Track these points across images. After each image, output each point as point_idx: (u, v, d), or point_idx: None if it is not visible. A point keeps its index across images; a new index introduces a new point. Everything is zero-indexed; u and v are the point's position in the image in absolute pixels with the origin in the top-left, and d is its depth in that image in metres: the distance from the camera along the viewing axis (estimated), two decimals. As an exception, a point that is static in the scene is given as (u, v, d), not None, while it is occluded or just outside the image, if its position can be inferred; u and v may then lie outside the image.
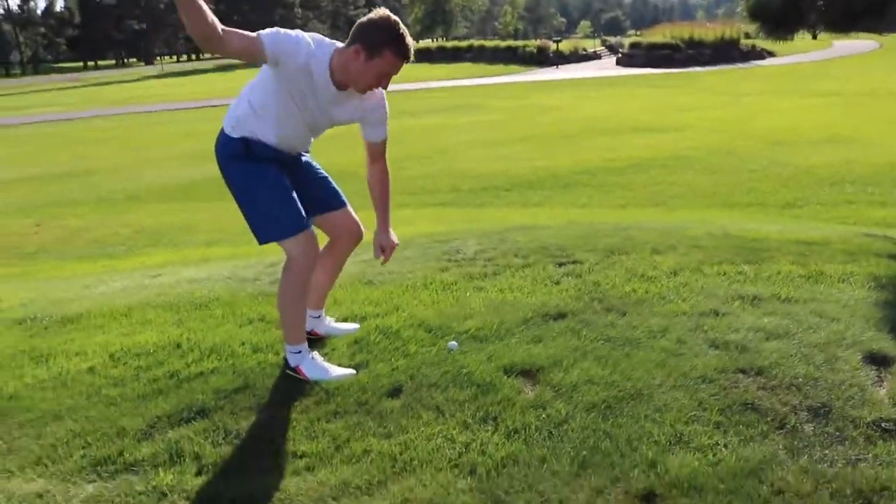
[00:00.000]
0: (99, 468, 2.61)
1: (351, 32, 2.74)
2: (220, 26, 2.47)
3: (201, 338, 3.56)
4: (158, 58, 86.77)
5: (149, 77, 55.42)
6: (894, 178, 9.58)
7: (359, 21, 2.74)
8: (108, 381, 3.23)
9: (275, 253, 5.79)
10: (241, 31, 2.59)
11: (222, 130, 2.96)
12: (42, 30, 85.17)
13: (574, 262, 4.25)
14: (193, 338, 3.57)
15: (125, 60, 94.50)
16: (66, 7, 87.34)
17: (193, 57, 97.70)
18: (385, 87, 2.86)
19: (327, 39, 2.81)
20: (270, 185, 2.90)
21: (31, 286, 5.64)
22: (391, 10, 2.81)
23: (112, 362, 3.43)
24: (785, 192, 9.17)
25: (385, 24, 2.69)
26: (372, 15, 2.74)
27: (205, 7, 2.39)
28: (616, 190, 9.86)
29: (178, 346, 3.50)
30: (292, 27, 2.92)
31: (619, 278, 3.89)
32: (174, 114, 25.57)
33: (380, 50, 2.68)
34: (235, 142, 2.89)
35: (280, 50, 2.64)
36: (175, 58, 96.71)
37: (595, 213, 8.03)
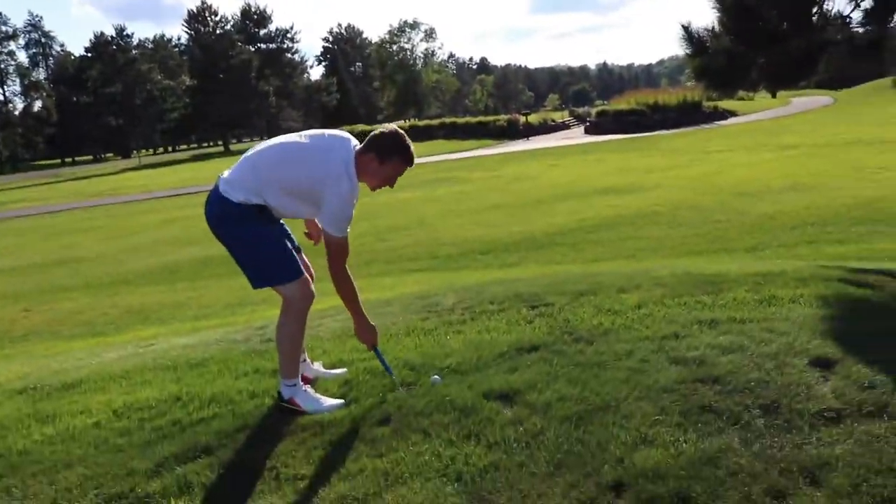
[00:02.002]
0: (113, 503, 2.81)
1: (366, 141, 3.33)
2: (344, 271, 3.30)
3: (199, 391, 3.77)
4: (135, 151, 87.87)
5: (126, 170, 56.06)
6: (852, 218, 10.06)
7: (373, 133, 3.34)
8: (113, 433, 3.43)
9: (263, 318, 6.06)
10: (341, 252, 3.27)
11: (225, 198, 3.26)
12: (20, 130, 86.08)
13: (546, 305, 4.54)
14: (192, 391, 3.78)
15: (102, 156, 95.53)
16: (43, 107, 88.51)
17: (170, 149, 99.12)
18: (392, 186, 3.44)
19: (349, 144, 3.33)
20: (276, 240, 3.34)
21: (27, 362, 5.82)
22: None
23: (116, 417, 3.63)
24: (748, 237, 9.59)
25: (394, 137, 3.33)
26: (383, 129, 3.35)
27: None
28: (588, 247, 10.23)
29: (178, 398, 3.72)
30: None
31: (587, 314, 4.19)
32: (153, 202, 25.95)
33: (390, 157, 3.31)
34: (248, 207, 3.25)
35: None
36: (152, 150, 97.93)
37: (568, 268, 8.36)
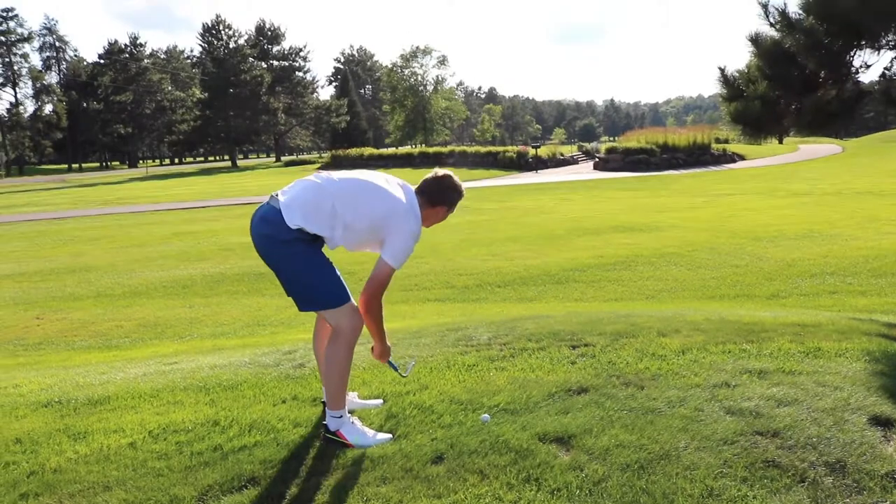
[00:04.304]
0: (160, 532, 2.73)
1: (420, 183, 3.53)
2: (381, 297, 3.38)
3: (238, 415, 3.71)
4: (142, 161, 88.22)
5: (134, 179, 56.15)
6: (871, 269, 10.02)
7: (426, 178, 3.55)
8: (151, 455, 3.36)
9: (288, 341, 6.00)
10: (386, 283, 3.33)
11: (281, 220, 3.20)
12: (28, 133, 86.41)
13: (586, 345, 4.49)
14: (230, 415, 3.72)
15: (108, 163, 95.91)
16: (53, 111, 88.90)
17: (176, 160, 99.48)
18: (443, 220, 3.64)
19: (412, 188, 3.49)
20: (326, 264, 3.32)
21: (47, 373, 5.73)
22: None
23: (152, 438, 3.56)
24: (769, 284, 9.55)
25: (442, 182, 3.53)
26: (434, 173, 3.56)
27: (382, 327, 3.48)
28: (607, 285, 10.18)
29: (216, 423, 3.65)
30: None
31: (631, 357, 4.14)
32: (163, 214, 25.90)
33: (441, 202, 3.53)
34: (302, 233, 3.22)
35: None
36: (158, 161, 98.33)
37: (592, 306, 8.31)
